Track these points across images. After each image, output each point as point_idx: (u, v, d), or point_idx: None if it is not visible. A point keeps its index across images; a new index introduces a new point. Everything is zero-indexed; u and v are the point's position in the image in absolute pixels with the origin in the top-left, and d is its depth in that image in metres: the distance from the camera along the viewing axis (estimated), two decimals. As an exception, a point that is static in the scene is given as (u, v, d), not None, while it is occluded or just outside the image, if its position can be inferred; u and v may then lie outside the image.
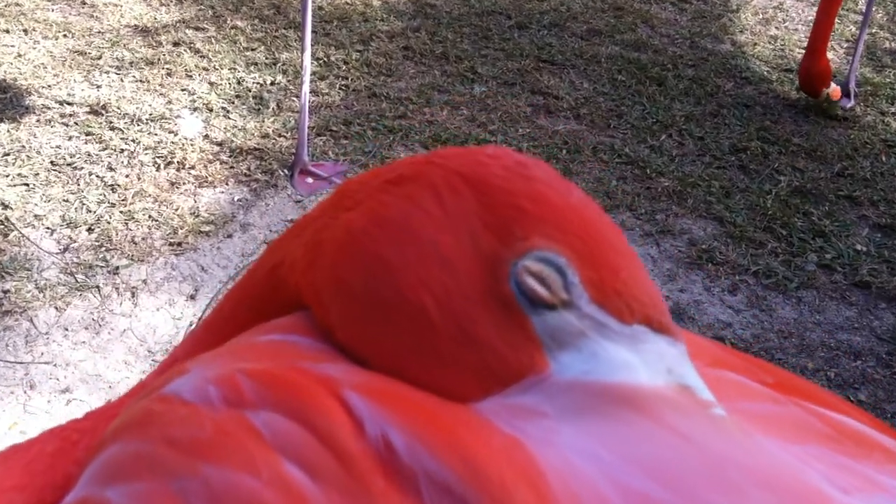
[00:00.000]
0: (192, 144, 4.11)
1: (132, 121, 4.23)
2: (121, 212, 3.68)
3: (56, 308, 3.25)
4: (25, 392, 2.99)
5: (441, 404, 0.65)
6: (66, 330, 3.19)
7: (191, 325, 3.25)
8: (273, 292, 0.80)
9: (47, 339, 3.15)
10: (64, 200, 3.72)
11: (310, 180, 3.93)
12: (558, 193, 0.69)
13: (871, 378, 3.29)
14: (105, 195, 3.76)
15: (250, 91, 4.59)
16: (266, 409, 0.63)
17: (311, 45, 4.05)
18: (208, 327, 0.87)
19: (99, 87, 4.50)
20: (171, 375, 0.71)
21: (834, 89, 4.72)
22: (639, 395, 0.63)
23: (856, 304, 3.60)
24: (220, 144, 4.14)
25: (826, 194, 4.19)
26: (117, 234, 3.56)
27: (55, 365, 3.08)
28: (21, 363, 3.07)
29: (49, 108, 4.29)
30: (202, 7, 5.56)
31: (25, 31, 5.04)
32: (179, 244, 3.56)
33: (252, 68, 4.81)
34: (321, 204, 0.79)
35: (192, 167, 3.95)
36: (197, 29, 5.24)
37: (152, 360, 3.12)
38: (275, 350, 0.71)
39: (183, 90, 4.53)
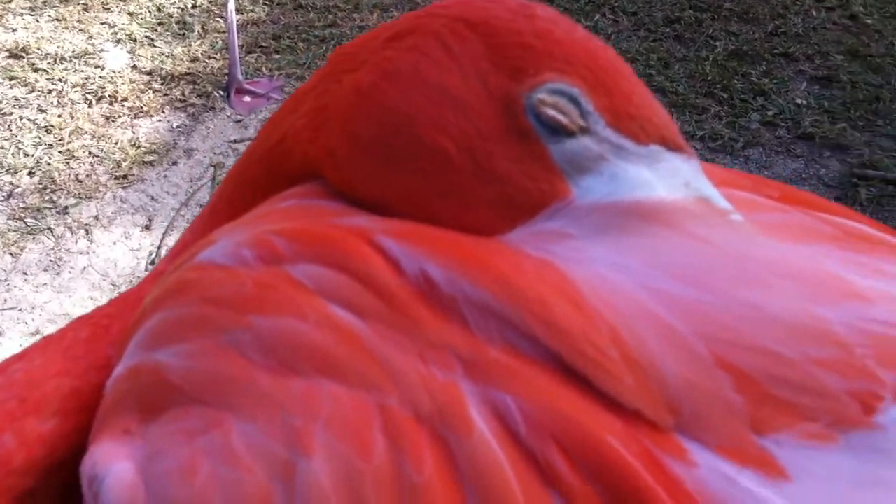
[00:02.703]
0: (120, 77, 3.99)
1: (55, 60, 4.09)
2: (59, 152, 3.58)
3: (11, 254, 3.18)
4: (-6, 341, 2.95)
5: (470, 238, 0.67)
6: (25, 274, 3.13)
7: (150, 254, 3.22)
8: (277, 167, 0.81)
9: (7, 284, 3.10)
10: (-1, 147, 3.61)
11: (247, 98, 3.86)
12: (563, 30, 0.70)
13: (822, 224, 3.38)
14: (40, 137, 3.66)
15: (172, 17, 4.46)
16: (303, 261, 0.65)
17: (230, -38, 3.94)
18: (212, 212, 0.87)
19: (15, 30, 4.32)
20: (197, 248, 0.71)
21: None
22: (660, 208, 0.66)
23: (801, 155, 3.68)
24: (149, 73, 4.02)
25: (762, 54, 4.23)
26: (60, 175, 3.48)
27: (20, 309, 3.03)
28: (-16, 313, 3.02)
29: (-34, 57, 4.13)
30: (108, -63, 5.34)
31: (-74, -19, 4.80)
32: (125, 177, 3.49)
33: (171, -6, 4.66)
34: (315, 74, 0.79)
35: (125, 99, 3.85)
36: (107, -40, 5.04)
37: (118, 293, 3.09)
38: (298, 212, 0.73)
39: (103, 24, 4.38)
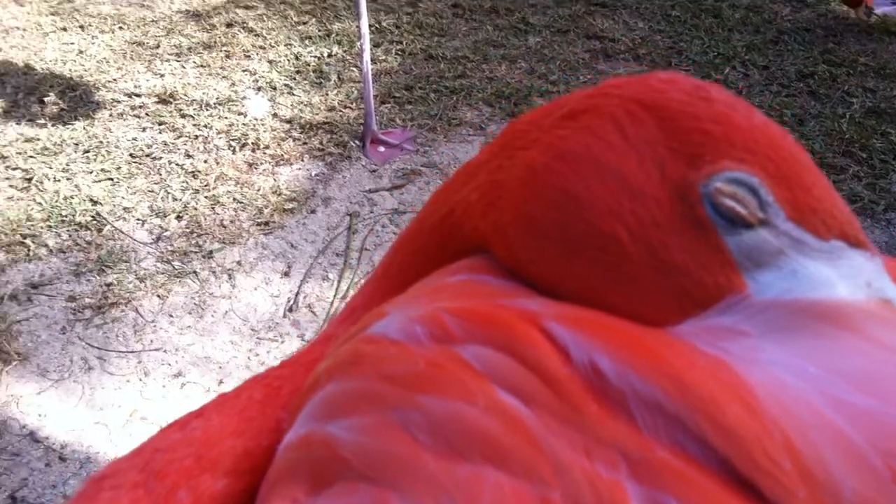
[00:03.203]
0: (262, 124, 4.16)
1: (201, 106, 4.29)
2: (205, 197, 3.75)
3: (158, 296, 3.34)
4: (140, 380, 3.09)
5: (642, 329, 0.65)
6: (171, 316, 3.29)
7: (288, 301, 3.33)
8: (446, 240, 0.81)
9: (154, 326, 3.25)
10: (149, 191, 3.80)
11: (382, 149, 3.97)
12: (742, 115, 0.68)
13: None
14: (188, 182, 3.84)
15: (309, 65, 4.62)
16: (473, 343, 0.64)
17: (366, 13, 4.09)
18: (381, 279, 0.89)
19: (162, 75, 4.56)
20: (370, 319, 0.72)
21: None
22: (841, 309, 0.63)
23: (945, 220, 3.57)
24: (289, 122, 4.18)
25: (901, 112, 4.13)
26: (206, 219, 3.64)
27: (165, 351, 3.18)
28: (133, 352, 3.17)
29: (119, 102, 4.37)
30: (248, -15, 5.59)
31: (81, 27, 5.11)
32: (266, 223, 3.63)
33: (307, 42, 4.83)
34: (488, 148, 0.78)
35: (267, 147, 4.01)
36: (247, 8, 5.28)
37: (257, 338, 3.21)
38: (469, 289, 0.72)
39: (244, 71, 4.58)
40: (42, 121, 4.21)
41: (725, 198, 0.64)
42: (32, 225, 3.62)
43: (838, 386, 0.58)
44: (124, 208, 3.71)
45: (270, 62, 4.63)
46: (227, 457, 0.76)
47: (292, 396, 0.78)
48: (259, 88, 4.42)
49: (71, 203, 3.74)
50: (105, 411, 3.00)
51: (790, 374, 0.59)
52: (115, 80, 4.54)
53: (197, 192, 3.78)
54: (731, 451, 0.56)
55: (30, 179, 3.86)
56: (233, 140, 4.06)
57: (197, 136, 4.09)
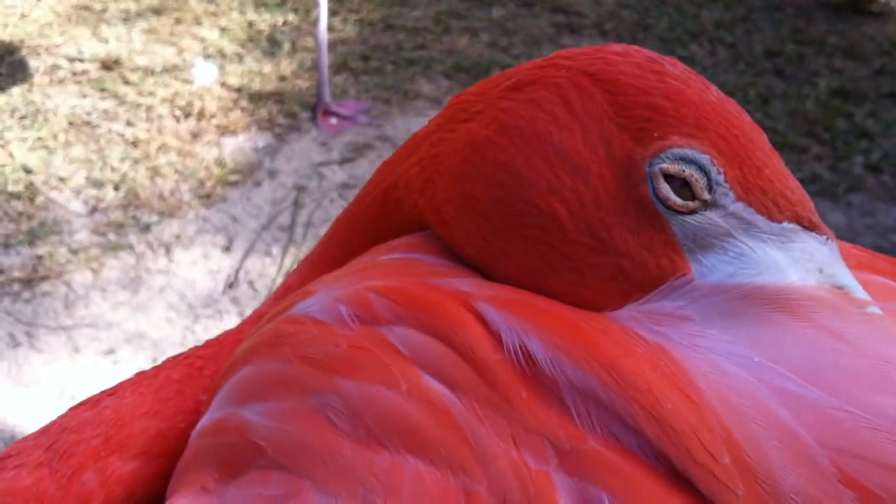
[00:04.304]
0: (209, 93, 4.00)
1: (146, 73, 4.13)
2: (146, 167, 3.60)
3: (92, 270, 3.20)
4: (70, 356, 2.96)
5: (578, 313, 0.63)
6: (104, 291, 3.14)
7: (228, 277, 3.20)
8: (388, 214, 0.78)
9: (86, 301, 3.11)
10: (86, 160, 3.64)
11: (333, 120, 3.83)
12: (695, 90, 0.65)
13: (928, 279, 3.20)
14: (127, 152, 3.68)
15: (262, 33, 4.47)
16: (400, 324, 0.62)
17: (322, -20, 3.92)
18: (322, 253, 0.85)
19: (107, 41, 4.39)
20: (296, 298, 0.70)
21: None
22: (790, 295, 0.60)
23: (907, 204, 3.49)
24: (237, 90, 4.03)
25: (867, 93, 4.04)
26: (144, 191, 3.49)
27: (97, 327, 3.04)
28: (63, 328, 3.03)
29: (60, 67, 4.19)
30: (204, -50, 5.40)
31: (27, -11, 4.91)
32: (208, 196, 3.48)
33: (262, 9, 4.67)
34: (433, 120, 0.76)
35: (213, 116, 3.86)
36: (201, -27, 5.10)
37: (194, 315, 3.08)
38: (400, 268, 0.70)
39: (193, 38, 4.41)
40: (-23, 85, 4.03)
41: (665, 183, 0.62)
42: (-41, 193, 3.46)
43: (783, 376, 0.56)
44: (59, 178, 3.55)
45: (222, 29, 4.47)
46: (139, 438, 0.74)
47: (214, 377, 0.75)
48: (208, 56, 4.26)
49: (3, 172, 3.57)
50: (32, 389, 2.87)
51: (733, 362, 0.57)
52: (57, 45, 4.35)
53: (137, 162, 3.63)
54: (668, 445, 0.55)
55: (-40, 146, 3.69)
56: (177, 109, 3.91)
57: (140, 105, 3.93)
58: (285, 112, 3.92)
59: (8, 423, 2.79)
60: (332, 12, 4.60)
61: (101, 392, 0.79)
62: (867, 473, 0.53)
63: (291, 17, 4.61)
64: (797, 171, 3.59)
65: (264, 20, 4.56)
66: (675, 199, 0.62)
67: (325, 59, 3.81)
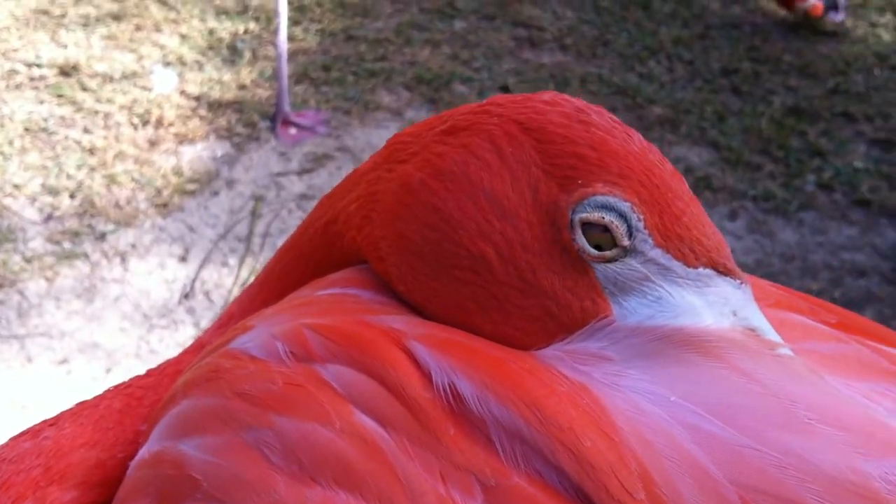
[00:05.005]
0: (168, 101, 3.98)
1: (104, 80, 4.10)
2: (102, 175, 3.57)
3: (46, 278, 3.16)
4: (23, 366, 2.93)
5: (505, 352, 0.66)
6: (58, 300, 3.11)
7: (184, 287, 3.18)
8: (327, 248, 0.81)
9: (40, 310, 3.07)
10: (42, 167, 3.61)
11: (293, 131, 3.83)
12: (619, 140, 0.68)
13: (876, 296, 3.26)
14: (84, 159, 3.65)
15: (223, 41, 4.45)
16: (334, 362, 0.65)
17: (284, -11, 3.91)
18: (262, 284, 0.88)
19: (66, 46, 4.35)
20: (235, 332, 0.72)
21: (814, 6, 4.58)
22: (704, 337, 0.64)
23: (857, 222, 3.56)
24: (196, 99, 4.01)
25: (821, 112, 4.12)
26: (101, 199, 3.46)
27: (50, 336, 3.01)
28: (16, 337, 3.00)
29: (17, 72, 4.15)
30: (166, -44, 5.36)
31: (-16, -8, 4.85)
32: (165, 205, 3.46)
33: (223, 17, 4.65)
34: (372, 157, 0.79)
35: (171, 124, 3.84)
36: (163, -21, 5.06)
37: (149, 325, 3.06)
38: (336, 304, 0.73)
39: (153, 44, 4.38)
40: (-69, 89, 3.97)
41: (583, 235, 0.66)
42: (-90, 199, 3.41)
43: (696, 415, 0.59)
44: (14, 185, 3.51)
45: (182, 36, 4.45)
46: (78, 468, 0.76)
47: (154, 408, 0.77)
48: (168, 63, 4.24)
49: (-45, 177, 3.53)
50: (-20, 399, 2.84)
51: (650, 401, 0.61)
52: (15, 49, 4.31)
53: (93, 169, 3.60)
54: (586, 481, 0.58)
55: (-88, 151, 3.64)
56: (135, 116, 3.88)
57: (97, 112, 3.90)
58: (244, 121, 3.91)
59: (-44, 434, 2.75)
60: (294, 22, 4.60)
61: (42, 422, 0.80)
62: None
63: (252, 25, 4.59)
64: (750, 189, 3.65)
65: (225, 28, 4.55)
66: (591, 252, 0.66)
67: (286, 68, 3.80)
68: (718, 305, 0.67)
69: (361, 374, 0.64)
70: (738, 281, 0.69)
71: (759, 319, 0.68)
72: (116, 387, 0.84)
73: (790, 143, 3.90)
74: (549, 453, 0.59)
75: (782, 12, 4.90)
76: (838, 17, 4.74)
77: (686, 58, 4.52)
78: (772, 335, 0.67)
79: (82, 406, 0.82)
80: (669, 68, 4.46)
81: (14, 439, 0.79)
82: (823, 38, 4.75)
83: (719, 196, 3.62)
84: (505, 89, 4.22)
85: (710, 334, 0.64)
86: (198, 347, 0.84)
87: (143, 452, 0.72)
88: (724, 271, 0.68)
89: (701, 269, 0.67)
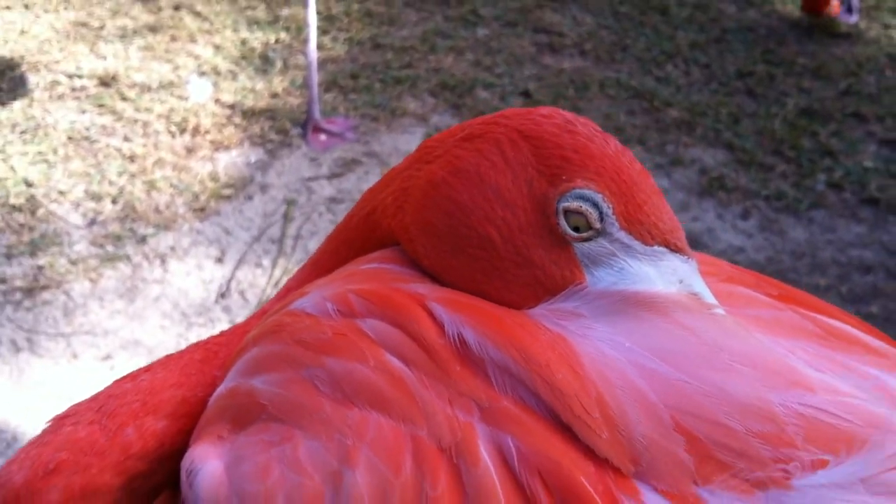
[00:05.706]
0: (203, 109, 4.17)
1: (142, 90, 4.29)
2: (142, 181, 3.76)
3: (90, 280, 3.35)
4: (69, 362, 3.11)
5: (502, 310, 0.84)
6: (102, 300, 3.30)
7: (220, 287, 3.36)
8: (368, 233, 1.00)
9: (84, 309, 3.26)
10: (85, 174, 3.80)
11: (323, 137, 4.00)
12: (597, 145, 0.86)
13: (882, 291, 3.37)
14: (125, 166, 3.84)
15: (255, 51, 4.63)
16: (371, 317, 0.84)
17: None
18: (315, 263, 1.07)
19: (105, 57, 4.55)
20: (293, 298, 0.92)
21: (833, 5, 4.69)
22: (656, 299, 0.82)
23: (865, 220, 3.67)
24: (231, 107, 4.19)
25: (833, 113, 4.23)
26: (141, 204, 3.65)
27: (95, 334, 3.19)
28: (62, 335, 3.19)
29: (59, 83, 4.35)
30: (199, -32, 5.55)
31: (26, 5, 5.06)
32: (202, 209, 3.65)
33: (254, 27, 4.83)
34: (406, 159, 0.97)
35: (207, 132, 4.02)
36: (196, -9, 5.25)
37: (188, 323, 3.23)
38: (374, 275, 0.92)
39: (189, 55, 4.57)
40: (-20, 100, 4.18)
41: (566, 219, 0.84)
42: (-36, 206, 3.61)
43: (644, 356, 0.78)
44: (59, 191, 3.71)
45: (216, 47, 4.64)
46: (168, 403, 0.95)
47: (227, 359, 0.96)
48: (203, 73, 4.43)
49: (5, 185, 3.73)
50: (32, 392, 3.02)
51: (611, 347, 0.79)
52: (56, 61, 4.51)
53: (133, 176, 3.79)
54: (556, 403, 0.76)
55: (-36, 160, 3.85)
56: (173, 124, 4.07)
57: (136, 120, 4.09)
58: (277, 128, 4.08)
59: (10, 424, 2.94)
60: (323, 31, 4.77)
61: (139, 369, 1.01)
62: (696, 425, 0.74)
63: (283, 35, 4.77)
64: (763, 189, 3.77)
65: (257, 38, 4.73)
66: (571, 233, 0.84)
67: (316, 77, 3.97)
68: (668, 275, 0.85)
69: (391, 326, 0.83)
70: (686, 256, 0.87)
71: (700, 286, 0.85)
72: (196, 343, 1.04)
73: (802, 143, 4.01)
74: (530, 383, 0.77)
75: (797, 14, 5.01)
76: (852, 18, 4.84)
77: (702, 61, 4.64)
78: (709, 298, 0.85)
79: (170, 357, 1.01)
80: (686, 72, 4.58)
81: (117, 382, 0.98)
82: (837, 39, 4.85)
83: (732, 196, 3.73)
84: (526, 94, 4.37)
85: (659, 296, 0.82)
86: (260, 314, 1.02)
87: (221, 389, 0.91)
88: (674, 249, 0.86)
89: (656, 247, 0.85)
